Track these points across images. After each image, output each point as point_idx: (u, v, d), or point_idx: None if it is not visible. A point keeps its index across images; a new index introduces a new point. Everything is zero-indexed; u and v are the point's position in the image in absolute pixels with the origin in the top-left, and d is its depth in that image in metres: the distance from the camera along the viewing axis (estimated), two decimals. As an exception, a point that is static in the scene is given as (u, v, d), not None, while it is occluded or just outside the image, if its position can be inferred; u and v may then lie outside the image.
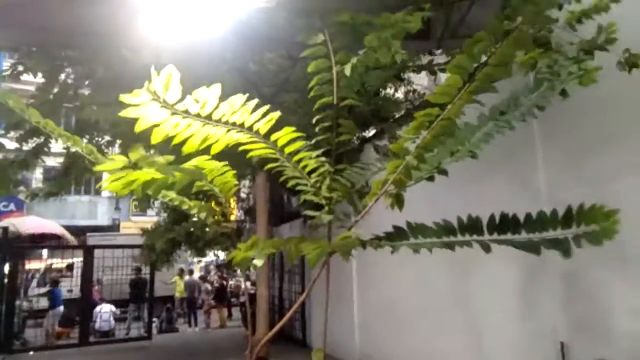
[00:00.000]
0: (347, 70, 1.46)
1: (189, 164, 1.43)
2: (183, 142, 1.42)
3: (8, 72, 6.28)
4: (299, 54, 1.69)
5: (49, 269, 14.43)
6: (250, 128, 1.47)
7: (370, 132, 7.82)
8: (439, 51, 4.89)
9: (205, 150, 1.49)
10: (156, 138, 1.34)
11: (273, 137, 1.53)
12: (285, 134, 1.53)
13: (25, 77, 6.36)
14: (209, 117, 1.38)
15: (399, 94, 8.07)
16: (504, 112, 1.43)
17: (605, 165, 3.72)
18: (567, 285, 4.03)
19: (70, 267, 12.92)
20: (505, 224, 1.40)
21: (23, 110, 1.58)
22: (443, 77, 7.07)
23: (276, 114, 1.46)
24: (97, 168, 1.29)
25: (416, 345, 6.10)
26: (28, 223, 12.88)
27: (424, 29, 3.30)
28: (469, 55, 1.28)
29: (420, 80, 8.14)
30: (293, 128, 1.53)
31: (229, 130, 1.44)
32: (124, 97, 1.26)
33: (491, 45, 1.27)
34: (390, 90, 7.82)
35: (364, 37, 1.47)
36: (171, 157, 1.25)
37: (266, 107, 1.45)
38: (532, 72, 1.72)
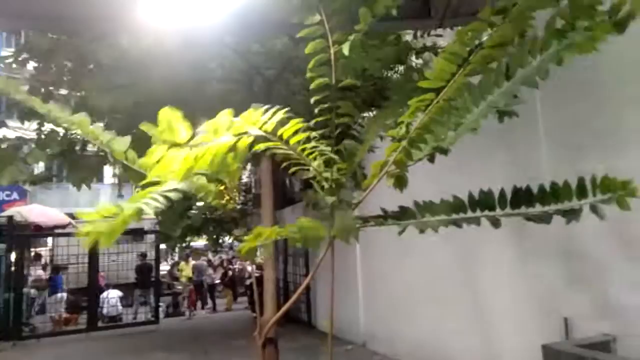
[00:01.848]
0: (346, 49, 1.44)
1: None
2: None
3: (11, 60, 6.23)
4: (298, 34, 1.68)
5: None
6: (259, 129, 1.46)
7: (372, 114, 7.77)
8: (441, 33, 4.85)
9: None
10: (179, 175, 1.30)
11: (279, 132, 1.51)
12: (291, 127, 1.51)
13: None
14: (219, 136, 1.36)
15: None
16: (509, 76, 1.38)
17: (609, 139, 3.70)
18: (571, 263, 4.05)
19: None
20: (518, 198, 1.39)
21: (24, 97, 1.58)
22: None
23: (283, 111, 1.43)
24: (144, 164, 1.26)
25: (421, 325, 6.16)
26: (35, 212, 12.95)
27: (425, 8, 3.26)
28: (461, 43, 1.26)
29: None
30: (299, 120, 1.51)
31: (240, 139, 1.43)
32: (150, 154, 1.23)
33: (486, 30, 1.25)
34: (394, 73, 7.76)
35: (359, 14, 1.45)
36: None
37: (278, 108, 1.42)
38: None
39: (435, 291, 5.89)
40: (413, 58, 5.83)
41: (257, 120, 1.41)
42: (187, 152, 1.25)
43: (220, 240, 14.33)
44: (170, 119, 1.22)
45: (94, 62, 5.59)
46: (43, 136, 6.54)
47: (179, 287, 14.95)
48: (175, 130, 1.24)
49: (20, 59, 6.11)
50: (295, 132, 1.55)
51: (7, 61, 6.26)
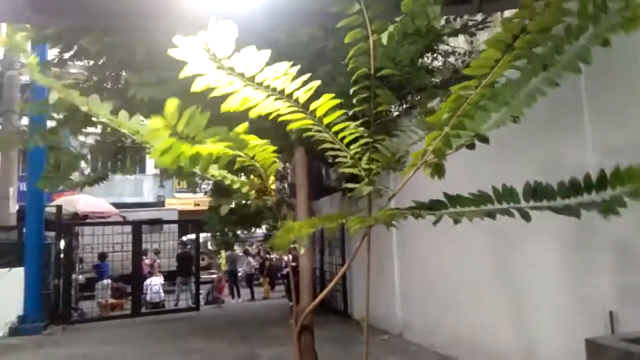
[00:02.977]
0: (384, 39, 1.43)
1: (232, 133, 1.44)
2: (221, 101, 1.44)
3: (55, 61, 6.50)
4: (333, 25, 1.67)
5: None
6: (290, 96, 1.47)
7: (407, 103, 7.69)
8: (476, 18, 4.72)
9: (244, 115, 1.49)
10: (196, 87, 1.35)
11: (312, 106, 1.52)
12: (324, 103, 1.52)
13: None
14: (251, 79, 1.38)
15: (437, 62, 7.86)
16: (546, 65, 1.35)
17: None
18: (616, 254, 3.90)
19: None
20: (540, 193, 1.39)
21: (68, 96, 1.64)
22: (481, 36, 6.82)
23: (316, 83, 1.45)
24: (145, 137, 1.32)
25: (459, 316, 6.10)
26: (83, 201, 13.52)
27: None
28: (507, 30, 1.24)
29: (457, 43, 7.88)
30: (332, 95, 1.51)
31: (268, 96, 1.45)
32: (176, 40, 1.27)
33: (530, 17, 1.22)
34: (427, 59, 7.63)
35: (400, 2, 1.43)
36: (206, 116, 1.25)
37: (306, 76, 1.44)
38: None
39: (474, 281, 5.80)
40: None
41: (289, 78, 1.42)
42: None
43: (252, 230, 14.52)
44: (225, 32, 1.24)
45: (133, 59, 5.74)
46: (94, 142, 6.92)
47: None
48: (221, 43, 1.26)
49: (64, 59, 6.35)
50: (331, 110, 1.56)
51: (48, 66, 6.52)
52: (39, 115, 7.87)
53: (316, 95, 1.53)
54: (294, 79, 1.42)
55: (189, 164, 1.28)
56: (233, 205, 9.50)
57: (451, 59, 7.63)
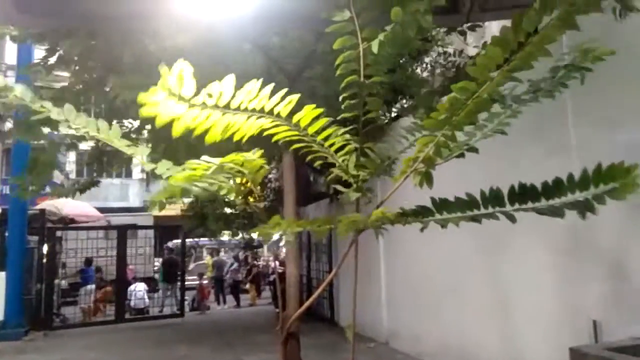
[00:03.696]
0: (375, 47, 1.43)
1: (225, 160, 1.46)
2: (205, 133, 1.45)
3: (40, 63, 6.43)
4: (323, 28, 1.67)
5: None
6: (271, 112, 1.48)
7: (395, 110, 7.74)
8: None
9: (229, 138, 1.51)
10: (176, 131, 1.37)
11: (295, 118, 1.53)
12: (307, 114, 1.52)
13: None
14: (227, 107, 1.40)
15: (425, 72, 7.92)
16: (539, 89, 1.38)
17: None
18: (600, 262, 3.95)
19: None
20: (524, 194, 1.40)
21: (45, 111, 1.62)
22: (471, 36, 6.84)
23: (296, 96, 1.46)
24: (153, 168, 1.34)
25: (445, 324, 6.11)
26: (68, 205, 13.33)
27: (453, 3, 3.21)
28: (516, 30, 1.24)
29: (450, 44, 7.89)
30: (313, 106, 1.52)
31: (249, 117, 1.45)
32: (142, 97, 1.29)
33: (539, 22, 1.23)
34: (417, 69, 7.70)
35: (391, 9, 1.44)
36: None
37: (284, 90, 1.45)
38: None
39: (461, 289, 5.82)
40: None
41: (263, 97, 1.42)
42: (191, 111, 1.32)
43: (246, 236, 14.47)
44: (182, 72, 1.26)
45: (119, 62, 5.71)
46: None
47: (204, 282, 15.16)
48: (183, 84, 1.28)
49: (49, 64, 6.29)
50: (315, 120, 1.56)
51: (34, 69, 6.45)
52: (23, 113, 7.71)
53: (305, 99, 1.53)
54: (274, 92, 1.43)
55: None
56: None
57: (442, 61, 7.64)
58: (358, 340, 7.38)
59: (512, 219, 1.45)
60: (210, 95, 1.34)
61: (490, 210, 1.50)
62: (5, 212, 10.56)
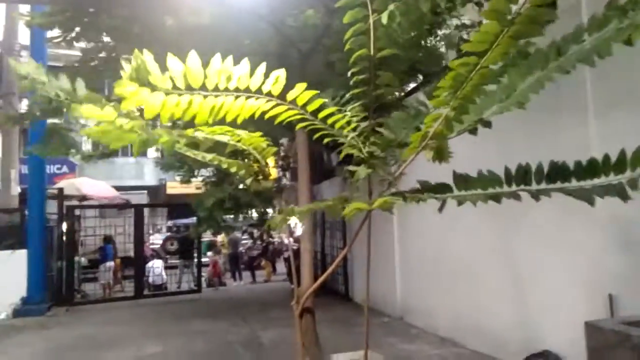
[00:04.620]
0: (384, 18, 1.40)
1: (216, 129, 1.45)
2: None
3: (60, 39, 6.43)
4: (335, 4, 1.64)
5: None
6: (260, 91, 1.44)
7: (410, 86, 7.62)
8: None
9: (222, 120, 1.49)
10: (164, 118, 1.36)
11: (289, 96, 1.50)
12: (301, 92, 1.49)
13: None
14: (203, 89, 1.37)
15: (440, 45, 7.72)
16: (562, 52, 1.30)
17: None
18: (616, 236, 3.90)
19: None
20: (554, 173, 1.33)
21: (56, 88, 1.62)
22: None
23: (281, 71, 1.42)
24: (81, 111, 1.31)
25: (459, 299, 6.13)
26: (86, 184, 13.52)
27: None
28: None
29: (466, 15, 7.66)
30: (305, 84, 1.49)
31: (237, 98, 1.42)
32: (118, 90, 1.27)
33: None
34: (432, 40, 7.49)
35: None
36: (139, 122, 1.27)
37: (261, 66, 1.41)
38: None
39: (474, 264, 5.82)
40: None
41: (243, 76, 1.39)
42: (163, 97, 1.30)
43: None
44: (146, 59, 1.25)
45: (134, 38, 5.69)
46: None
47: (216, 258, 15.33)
48: (151, 72, 1.26)
49: (67, 39, 6.28)
50: (311, 99, 1.53)
51: (55, 41, 6.45)
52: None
53: (320, 81, 1.52)
54: (261, 74, 1.39)
55: (136, 146, 1.30)
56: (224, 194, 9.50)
57: (461, 33, 7.43)
58: (372, 315, 7.46)
59: (536, 198, 1.40)
60: (172, 79, 1.31)
61: (514, 188, 1.45)
62: (24, 192, 10.77)
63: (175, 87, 1.31)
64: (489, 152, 4.73)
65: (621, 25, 1.18)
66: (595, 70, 4.01)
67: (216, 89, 1.36)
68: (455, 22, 7.18)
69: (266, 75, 1.41)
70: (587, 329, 3.17)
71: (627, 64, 3.66)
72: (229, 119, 1.48)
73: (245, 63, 1.36)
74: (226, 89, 1.38)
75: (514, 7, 1.23)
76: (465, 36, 6.89)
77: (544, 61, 1.40)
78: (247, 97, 1.43)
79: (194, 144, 1.65)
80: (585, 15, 4.02)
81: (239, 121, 1.51)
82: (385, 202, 1.53)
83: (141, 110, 1.45)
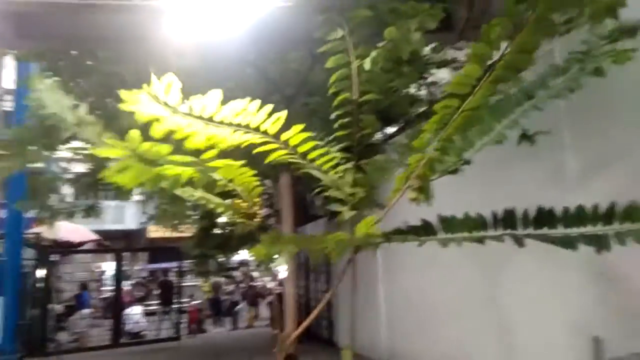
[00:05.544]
0: (367, 64, 1.44)
1: (200, 159, 1.47)
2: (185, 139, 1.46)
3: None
4: (319, 51, 1.68)
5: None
6: (257, 129, 1.48)
7: (391, 129, 7.75)
8: (463, 50, 4.83)
9: (211, 149, 1.52)
10: (156, 132, 1.37)
11: (283, 136, 1.53)
12: (295, 133, 1.52)
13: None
14: (210, 119, 1.40)
15: (421, 91, 7.93)
16: (531, 95, 1.37)
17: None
18: (600, 278, 3.92)
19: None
20: (541, 218, 1.33)
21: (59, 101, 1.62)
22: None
23: (283, 113, 1.46)
24: (96, 152, 1.32)
25: (445, 343, 6.03)
26: (64, 228, 13.22)
27: (446, 21, 3.26)
28: (486, 42, 1.23)
29: (443, 75, 7.97)
30: (302, 126, 1.52)
31: (235, 131, 1.46)
32: (123, 94, 1.29)
33: (510, 31, 1.23)
34: (411, 89, 7.71)
35: (385, 28, 1.45)
36: (170, 147, 1.28)
37: (270, 106, 1.46)
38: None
39: (460, 308, 5.76)
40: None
41: (250, 113, 1.43)
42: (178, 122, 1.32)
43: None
44: (171, 83, 1.27)
45: (118, 82, 5.74)
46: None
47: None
48: (170, 93, 1.28)
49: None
50: (304, 141, 1.56)
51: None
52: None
53: (291, 124, 1.55)
54: (268, 117, 1.44)
55: (150, 183, 1.28)
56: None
57: (433, 90, 7.71)
58: (358, 361, 7.26)
59: (520, 242, 1.40)
60: (190, 109, 1.35)
61: (500, 232, 1.45)
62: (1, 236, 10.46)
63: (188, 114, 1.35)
64: (467, 191, 4.79)
65: (583, 65, 1.25)
66: (570, 109, 4.15)
67: (211, 119, 1.40)
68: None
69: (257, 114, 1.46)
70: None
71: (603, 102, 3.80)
72: (221, 148, 1.51)
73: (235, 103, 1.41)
74: (230, 123, 1.42)
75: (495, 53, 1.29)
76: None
77: (516, 104, 1.46)
78: (245, 132, 1.47)
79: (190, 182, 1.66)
80: (558, 59, 4.19)
81: (218, 149, 1.54)
82: (368, 236, 1.53)
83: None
